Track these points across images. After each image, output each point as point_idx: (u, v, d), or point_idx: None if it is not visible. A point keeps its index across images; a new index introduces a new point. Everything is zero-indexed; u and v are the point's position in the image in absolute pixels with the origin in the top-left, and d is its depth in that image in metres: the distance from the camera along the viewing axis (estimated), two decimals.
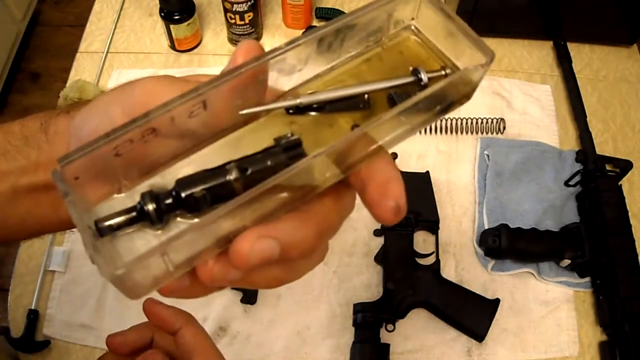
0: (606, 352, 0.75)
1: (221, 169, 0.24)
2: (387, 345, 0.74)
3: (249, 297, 0.78)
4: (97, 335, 0.76)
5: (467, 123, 0.91)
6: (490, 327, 0.74)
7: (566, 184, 0.85)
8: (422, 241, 0.83)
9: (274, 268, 0.26)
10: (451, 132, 0.92)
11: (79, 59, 1.02)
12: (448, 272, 0.81)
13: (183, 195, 0.24)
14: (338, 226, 0.28)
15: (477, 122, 0.91)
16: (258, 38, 1.01)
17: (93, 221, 0.24)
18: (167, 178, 0.26)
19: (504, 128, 0.92)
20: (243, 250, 0.23)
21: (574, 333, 0.78)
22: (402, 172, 0.84)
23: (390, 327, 0.75)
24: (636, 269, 0.77)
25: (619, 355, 0.73)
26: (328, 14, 1.03)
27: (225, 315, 0.77)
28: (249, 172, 0.24)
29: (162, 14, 0.95)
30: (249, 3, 0.92)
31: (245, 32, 0.97)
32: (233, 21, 0.96)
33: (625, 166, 0.86)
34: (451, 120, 0.91)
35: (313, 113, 0.27)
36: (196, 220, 0.25)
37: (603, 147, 0.92)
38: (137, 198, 0.24)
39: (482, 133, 0.92)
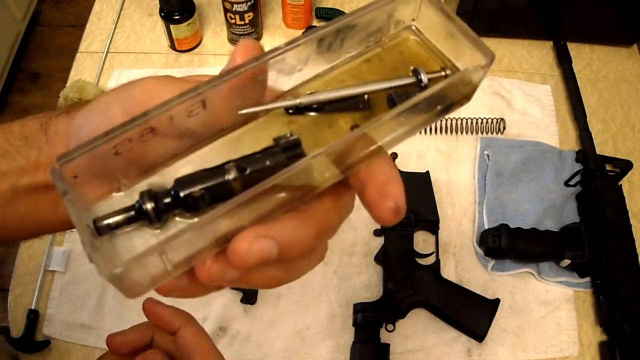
0: (606, 352, 0.75)
1: (220, 169, 0.24)
2: (387, 345, 0.74)
3: (249, 297, 0.78)
4: (97, 335, 0.76)
5: (467, 123, 0.91)
6: (490, 327, 0.74)
7: (566, 184, 0.85)
8: (422, 241, 0.83)
9: (273, 268, 0.26)
10: (451, 132, 0.92)
11: (79, 59, 1.02)
12: (448, 272, 0.81)
13: (182, 194, 0.24)
14: (337, 226, 0.28)
15: (477, 122, 0.91)
16: (258, 38, 1.01)
17: (92, 220, 0.24)
18: (166, 177, 0.26)
19: (504, 128, 0.92)
20: (241, 250, 0.23)
21: (574, 333, 0.78)
22: (402, 172, 0.83)
23: (390, 327, 0.75)
24: (636, 269, 0.77)
25: (619, 355, 0.73)
26: (328, 14, 1.03)
27: (225, 315, 0.78)
28: (248, 171, 0.24)
29: (162, 14, 0.95)
30: (249, 3, 0.92)
31: (245, 32, 0.97)
32: (233, 21, 0.96)
33: (625, 166, 0.86)
34: (451, 120, 0.91)
35: (313, 113, 0.27)
36: (195, 219, 0.25)
37: (603, 147, 0.92)
38: (136, 197, 0.24)
39: (482, 133, 0.92)
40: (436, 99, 0.27)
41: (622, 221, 0.80)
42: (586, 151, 0.88)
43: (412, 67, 0.28)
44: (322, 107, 0.27)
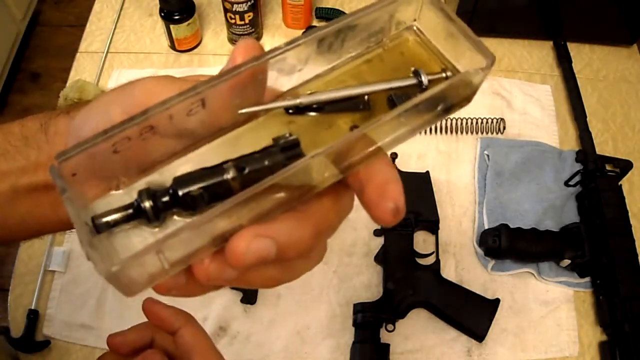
0: (606, 352, 0.75)
1: (219, 168, 0.24)
2: (387, 345, 0.74)
3: (249, 297, 0.78)
4: (97, 335, 0.76)
5: (467, 123, 0.91)
6: (490, 327, 0.74)
7: (566, 184, 0.85)
8: (422, 241, 0.83)
9: (271, 268, 0.26)
10: (451, 132, 0.92)
11: (79, 59, 1.02)
12: (448, 272, 0.81)
13: (180, 193, 0.24)
14: (336, 227, 0.28)
15: (477, 122, 0.91)
16: (258, 38, 1.01)
17: (90, 218, 0.24)
18: (165, 175, 0.26)
19: (504, 128, 0.92)
20: (239, 249, 0.23)
21: (574, 333, 0.78)
22: (402, 172, 0.84)
23: (390, 327, 0.75)
24: (636, 269, 0.77)
25: (619, 355, 0.74)
26: (328, 14, 1.03)
27: (225, 315, 0.78)
28: (247, 171, 0.24)
29: (162, 14, 0.95)
30: (249, 3, 0.92)
31: (245, 32, 0.97)
32: (233, 21, 0.96)
33: (625, 166, 0.86)
34: (451, 120, 0.91)
35: (312, 113, 0.27)
36: (192, 218, 0.25)
37: (603, 147, 0.92)
38: (135, 195, 0.25)
39: (482, 133, 0.92)
40: (436, 100, 0.27)
41: (622, 221, 0.80)
42: (586, 151, 0.88)
43: (412, 68, 0.28)
44: (322, 108, 0.27)
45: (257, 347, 0.76)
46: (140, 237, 0.25)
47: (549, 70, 1.00)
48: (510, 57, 1.02)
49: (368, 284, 0.80)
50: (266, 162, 0.24)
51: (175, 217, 0.25)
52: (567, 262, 0.78)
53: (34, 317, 0.77)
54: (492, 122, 0.91)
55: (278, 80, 0.28)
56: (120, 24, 1.06)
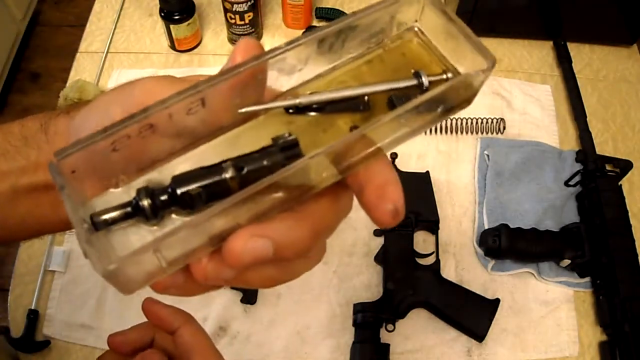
0: (606, 352, 0.75)
1: (217, 167, 0.24)
2: (387, 345, 0.74)
3: (249, 297, 0.78)
4: (97, 335, 0.76)
5: (467, 123, 0.91)
6: (490, 327, 0.74)
7: (566, 184, 0.85)
8: (422, 241, 0.83)
9: (269, 267, 0.26)
10: (451, 132, 0.92)
11: (79, 59, 1.02)
12: (448, 272, 0.81)
13: (178, 192, 0.24)
14: (334, 227, 0.28)
15: (477, 122, 0.91)
16: (258, 38, 1.01)
17: (88, 215, 0.24)
18: (164, 174, 0.26)
19: (504, 128, 0.92)
20: (236, 249, 0.23)
21: (574, 333, 0.78)
22: (402, 172, 0.84)
23: (390, 327, 0.75)
24: (636, 269, 0.77)
25: (619, 355, 0.74)
26: (328, 14, 1.03)
27: (225, 315, 0.78)
28: (245, 171, 0.24)
29: (162, 14, 0.95)
30: (249, 3, 0.92)
31: (245, 32, 0.97)
32: (233, 21, 0.96)
33: (625, 166, 0.86)
34: (451, 120, 0.91)
35: (312, 113, 0.27)
36: (190, 217, 0.25)
37: (603, 147, 0.92)
38: (134, 193, 0.25)
39: (482, 133, 0.92)
40: (436, 101, 0.27)
41: (622, 221, 0.80)
42: (586, 151, 0.88)
43: (413, 70, 0.28)
44: (322, 108, 0.27)
45: (257, 347, 0.76)
46: (138, 235, 0.25)
47: (549, 70, 1.00)
48: (510, 57, 1.02)
49: (368, 284, 0.80)
50: (265, 162, 0.24)
51: (173, 215, 0.25)
52: (567, 262, 0.78)
53: (34, 317, 0.77)
54: (492, 122, 0.91)
55: (278, 80, 0.28)
56: (120, 24, 1.06)
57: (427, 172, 0.86)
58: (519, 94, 0.97)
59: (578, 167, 0.87)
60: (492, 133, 0.92)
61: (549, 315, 0.78)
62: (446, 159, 0.90)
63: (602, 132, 0.94)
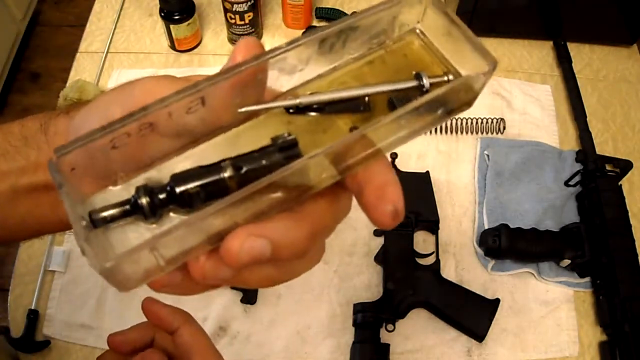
0: (606, 352, 0.75)
1: (216, 166, 0.24)
2: (387, 345, 0.74)
3: (249, 297, 0.78)
4: (97, 335, 0.76)
5: (467, 123, 0.91)
6: (490, 327, 0.74)
7: (566, 184, 0.85)
8: (422, 241, 0.83)
9: (266, 267, 0.26)
10: (451, 132, 0.92)
11: (79, 59, 1.02)
12: (448, 272, 0.81)
13: (177, 190, 0.24)
14: (332, 228, 0.28)
15: (477, 122, 0.91)
16: (258, 38, 1.01)
17: (87, 212, 0.24)
18: (163, 172, 0.26)
19: (504, 128, 0.92)
20: (233, 248, 0.23)
21: (574, 333, 0.78)
22: (402, 172, 0.83)
23: (390, 327, 0.75)
24: (636, 269, 0.77)
25: (619, 355, 0.73)
26: (328, 14, 1.03)
27: (225, 315, 0.78)
28: (244, 170, 0.24)
29: (162, 14, 0.95)
30: (249, 3, 0.92)
31: (245, 32, 0.97)
32: (233, 21, 0.96)
33: (625, 166, 0.86)
34: (451, 120, 0.91)
35: (313, 113, 0.27)
36: (188, 216, 0.25)
37: (603, 147, 0.92)
38: (133, 191, 0.25)
39: (482, 133, 0.92)
40: (437, 103, 0.27)
41: (622, 221, 0.80)
42: (586, 151, 0.88)
43: (414, 71, 0.28)
44: (322, 108, 0.27)
45: (257, 347, 0.76)
46: (136, 233, 0.25)
47: (549, 70, 1.00)
48: (510, 57, 1.02)
49: (368, 284, 0.80)
50: (264, 162, 0.24)
51: (171, 214, 0.25)
52: (567, 262, 0.78)
53: (34, 317, 0.77)
54: (492, 122, 0.91)
55: (279, 80, 0.28)
56: (120, 24, 1.06)
57: (427, 172, 0.86)
58: (519, 94, 0.97)
59: (578, 167, 0.87)
60: (492, 133, 0.92)
61: (549, 315, 0.78)
62: (446, 159, 0.90)
63: (602, 132, 0.94)
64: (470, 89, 0.27)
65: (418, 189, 0.84)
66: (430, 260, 0.79)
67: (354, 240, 0.83)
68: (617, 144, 0.93)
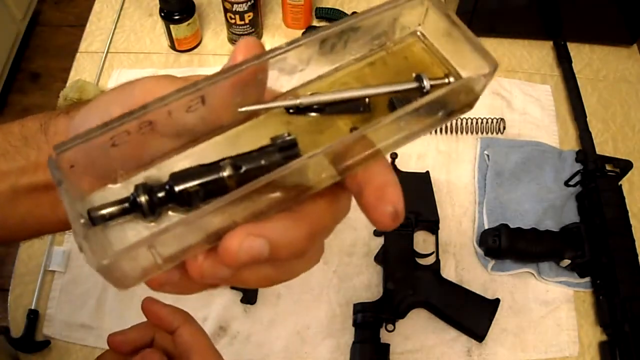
0: (606, 352, 0.75)
1: (215, 165, 0.24)
2: (387, 345, 0.74)
3: (249, 297, 0.78)
4: (97, 335, 0.76)
5: (467, 123, 0.91)
6: (490, 327, 0.74)
7: (566, 184, 0.85)
8: (422, 241, 0.83)
9: (265, 267, 0.26)
10: (451, 132, 0.92)
11: (79, 59, 1.02)
12: (448, 272, 0.81)
13: (176, 189, 0.24)
14: (331, 228, 0.28)
15: (477, 122, 0.91)
16: (258, 38, 1.01)
17: (86, 210, 0.24)
18: (163, 171, 0.26)
19: (504, 128, 0.92)
20: (232, 247, 0.23)
21: (574, 333, 0.78)
22: (402, 172, 0.83)
23: (390, 327, 0.75)
24: (636, 269, 0.77)
25: (619, 355, 0.73)
26: (328, 14, 1.03)
27: (225, 315, 0.78)
28: (243, 170, 0.24)
29: (162, 14, 0.95)
30: (249, 3, 0.92)
31: (245, 32, 0.97)
32: (233, 21, 0.96)
33: (625, 166, 0.86)
34: (451, 120, 0.91)
35: (313, 114, 0.27)
36: (186, 215, 0.25)
37: (603, 147, 0.92)
38: (132, 189, 0.25)
39: (482, 133, 0.92)
40: (437, 105, 0.26)
41: (622, 221, 0.80)
42: (586, 151, 0.88)
43: (415, 73, 0.28)
44: (323, 109, 0.27)
45: (257, 347, 0.76)
46: (135, 231, 0.25)
47: (549, 70, 1.00)
48: (510, 57, 1.02)
49: (368, 284, 0.80)
50: (263, 161, 0.24)
51: (170, 212, 0.25)
52: (567, 262, 0.78)
53: (34, 317, 0.77)
54: (492, 122, 0.91)
55: (279, 80, 0.28)
56: (120, 24, 1.06)
57: (427, 172, 0.86)
58: (519, 94, 0.97)
59: (578, 167, 0.87)
60: (492, 133, 0.92)
61: (549, 315, 0.78)
62: (446, 159, 0.90)
63: (602, 132, 0.94)
64: (471, 90, 0.27)
65: (418, 189, 0.84)
66: (430, 260, 0.79)
67: (353, 241, 0.83)
68: (617, 144, 0.93)
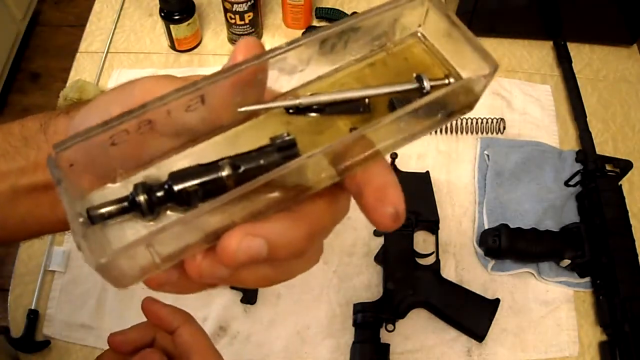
0: (606, 352, 0.75)
1: (214, 165, 0.24)
2: (387, 345, 0.74)
3: (249, 297, 0.78)
4: (97, 335, 0.76)
5: (467, 123, 0.91)
6: (490, 327, 0.74)
7: (566, 184, 0.85)
8: (422, 241, 0.83)
9: (264, 267, 0.26)
10: (451, 132, 0.92)
11: (79, 59, 1.02)
12: (448, 272, 0.81)
13: (175, 188, 0.24)
14: (330, 229, 0.28)
15: (477, 122, 0.91)
16: (258, 38, 1.01)
17: (85, 209, 0.24)
18: (162, 170, 0.26)
19: (504, 128, 0.92)
20: (230, 247, 0.23)
21: (574, 333, 0.78)
22: (402, 172, 0.83)
23: (390, 327, 0.75)
24: (636, 269, 0.77)
25: (619, 355, 0.73)
26: (328, 14, 1.03)
27: (225, 315, 0.78)
28: (242, 169, 0.24)
29: (162, 14, 0.95)
30: (249, 3, 0.92)
31: (245, 32, 0.97)
32: (233, 21, 0.96)
33: (625, 166, 0.86)
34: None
35: (312, 114, 0.27)
36: (184, 214, 0.25)
37: (603, 147, 0.92)
38: (131, 188, 0.25)
39: (482, 133, 0.92)
40: (437, 105, 0.26)
41: (622, 221, 0.80)
42: (586, 151, 0.88)
43: (415, 74, 0.28)
44: (322, 109, 0.27)
45: (257, 347, 0.76)
46: (133, 230, 0.25)
47: (549, 70, 1.00)
48: (510, 57, 1.02)
49: (368, 284, 0.80)
50: (262, 161, 0.24)
51: (168, 212, 0.25)
52: (567, 262, 0.78)
53: (34, 317, 0.77)
54: (492, 122, 0.91)
55: (279, 80, 0.28)
56: (120, 24, 1.06)
57: (427, 172, 0.86)
58: (519, 94, 0.97)
59: (578, 167, 0.87)
60: (492, 133, 0.92)
61: (549, 315, 0.78)
62: (446, 159, 0.90)
63: (602, 132, 0.94)
64: (471, 91, 0.27)
65: (418, 189, 0.84)
66: (430, 260, 0.79)
67: (353, 241, 0.83)
68: (617, 144, 0.93)
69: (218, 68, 0.26)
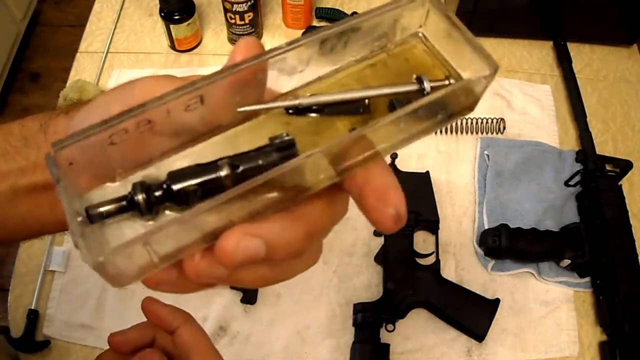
0: (606, 352, 0.75)
1: (213, 165, 0.24)
2: (387, 345, 0.74)
3: (249, 297, 0.78)
4: (97, 335, 0.76)
5: (467, 123, 0.91)
6: (490, 327, 0.74)
7: (566, 184, 0.85)
8: (422, 241, 0.83)
9: (262, 267, 0.26)
10: (451, 132, 0.92)
11: (79, 59, 1.02)
12: (448, 272, 0.81)
13: (174, 188, 0.24)
14: (329, 229, 0.28)
15: (477, 122, 0.91)
16: (258, 38, 1.01)
17: (84, 208, 0.24)
18: (161, 170, 0.26)
19: (504, 128, 0.92)
20: (228, 247, 0.23)
21: (574, 333, 0.78)
22: (402, 172, 0.83)
23: (390, 327, 0.75)
24: (636, 269, 0.77)
25: (619, 355, 0.73)
26: (328, 14, 1.03)
27: (225, 315, 0.78)
28: (240, 169, 0.24)
29: (162, 14, 0.95)
30: (249, 3, 0.92)
31: (245, 32, 0.97)
32: (233, 21, 0.96)
33: (625, 166, 0.86)
34: None
35: (312, 115, 0.27)
36: (181, 213, 0.25)
37: (603, 147, 0.92)
38: (130, 188, 0.25)
39: (482, 133, 0.92)
40: (437, 106, 0.26)
41: (622, 221, 0.80)
42: (586, 151, 0.88)
43: (415, 75, 0.28)
44: (322, 109, 0.27)
45: (257, 347, 0.76)
46: (132, 229, 0.25)
47: (549, 70, 1.00)
48: (510, 57, 1.02)
49: (368, 284, 0.80)
50: (260, 161, 0.24)
51: (167, 212, 0.25)
52: (567, 262, 0.78)
53: (34, 317, 0.77)
54: (492, 122, 0.91)
55: (278, 80, 0.28)
56: (120, 24, 1.06)
57: (427, 172, 0.86)
58: (519, 94, 0.97)
59: (578, 167, 0.87)
60: (492, 133, 0.92)
61: (549, 315, 0.78)
62: (446, 159, 0.90)
63: (602, 132, 0.94)
64: (471, 92, 0.27)
65: (418, 189, 0.84)
66: (430, 260, 0.79)
67: (353, 241, 0.83)
68: (617, 144, 0.93)
69: (218, 68, 0.26)
